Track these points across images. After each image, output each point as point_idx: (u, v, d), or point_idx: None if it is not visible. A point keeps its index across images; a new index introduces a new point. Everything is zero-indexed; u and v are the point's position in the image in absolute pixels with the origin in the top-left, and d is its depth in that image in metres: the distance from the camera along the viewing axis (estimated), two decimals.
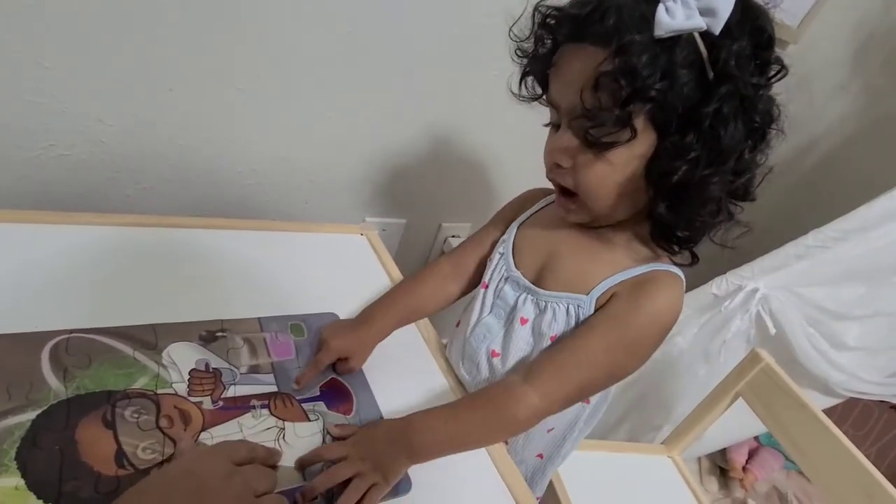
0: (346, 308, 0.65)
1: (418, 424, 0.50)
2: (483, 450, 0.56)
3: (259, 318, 0.60)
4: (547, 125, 0.54)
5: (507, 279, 0.60)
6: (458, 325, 0.68)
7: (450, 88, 0.98)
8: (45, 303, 0.52)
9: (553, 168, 0.53)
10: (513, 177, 1.19)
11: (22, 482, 0.39)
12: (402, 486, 0.49)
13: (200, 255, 0.66)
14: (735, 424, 1.11)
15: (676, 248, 0.53)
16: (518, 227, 0.63)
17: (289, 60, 0.81)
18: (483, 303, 0.61)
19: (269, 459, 0.44)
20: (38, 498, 0.38)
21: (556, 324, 0.56)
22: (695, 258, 0.53)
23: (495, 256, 0.62)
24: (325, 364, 0.56)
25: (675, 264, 0.54)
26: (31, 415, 0.43)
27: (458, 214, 1.21)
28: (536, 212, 0.64)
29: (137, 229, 0.65)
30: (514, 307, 0.58)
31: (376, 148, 1.01)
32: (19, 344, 0.48)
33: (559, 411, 0.54)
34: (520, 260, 0.60)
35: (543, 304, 0.56)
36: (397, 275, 0.75)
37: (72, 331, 0.50)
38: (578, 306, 0.55)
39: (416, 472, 0.50)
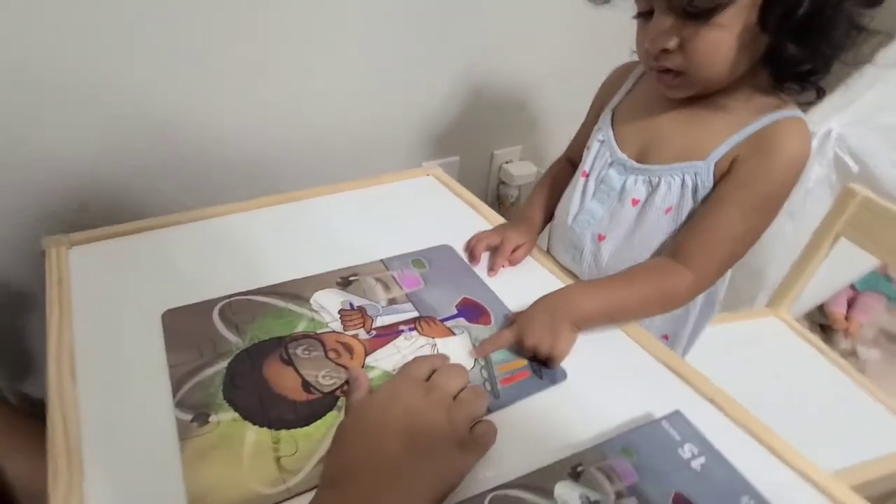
0: (455, 240, 0.68)
1: (576, 293, 0.54)
2: (626, 337, 0.56)
3: (382, 260, 0.63)
4: (636, 17, 0.52)
5: (611, 164, 0.59)
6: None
7: (478, 18, 0.98)
8: (203, 281, 0.58)
9: (658, 55, 0.50)
10: (554, 92, 1.18)
11: (237, 415, 0.44)
12: (559, 375, 0.51)
13: (309, 221, 0.70)
14: (832, 274, 1.07)
15: (803, 86, 0.49)
16: (613, 111, 0.62)
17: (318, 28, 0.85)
18: (584, 190, 0.62)
19: (447, 364, 0.47)
20: (254, 424, 0.43)
21: (671, 196, 0.55)
22: (821, 92, 0.50)
23: (594, 144, 0.62)
24: (509, 250, 0.63)
25: (797, 106, 0.52)
26: (223, 364, 0.48)
27: (507, 140, 1.21)
28: (629, 91, 0.62)
29: (247, 213, 0.71)
30: (623, 190, 0.58)
31: (416, 93, 1.03)
32: (193, 313, 0.53)
33: (712, 286, 0.55)
34: (622, 142, 0.59)
35: (656, 179, 0.55)
36: (477, 202, 0.77)
37: (230, 296, 0.56)
38: (695, 174, 0.53)
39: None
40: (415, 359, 0.48)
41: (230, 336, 0.51)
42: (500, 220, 0.73)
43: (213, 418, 0.43)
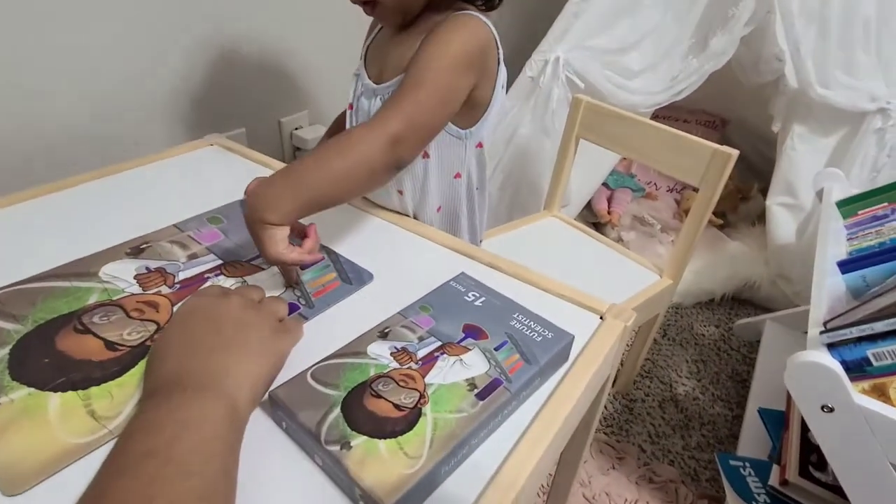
0: None
1: (266, 197, 0.50)
2: (419, 238, 0.64)
3: (175, 224, 0.62)
4: None
5: (362, 93, 0.69)
6: None
7: None
8: None
9: None
10: (324, 53, 1.22)
11: (32, 389, 0.41)
12: (366, 277, 0.57)
13: (87, 206, 0.66)
14: (587, 176, 1.34)
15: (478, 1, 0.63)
16: (366, 49, 0.72)
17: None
18: (350, 120, 0.72)
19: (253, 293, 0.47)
20: (55, 391, 0.41)
21: None
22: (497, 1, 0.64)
23: (353, 79, 0.71)
24: None
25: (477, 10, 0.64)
26: (3, 351, 0.44)
27: (292, 106, 1.23)
28: (378, 31, 0.72)
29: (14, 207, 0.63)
30: (369, 111, 0.68)
31: (188, 69, 1.00)
32: None
33: (409, 132, 0.56)
34: (369, 73, 0.69)
35: (386, 95, 0.65)
36: (266, 159, 0.79)
37: None
38: None
39: (378, 265, 0.58)
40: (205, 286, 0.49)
41: (6, 325, 0.47)
42: None
43: (3, 399, 0.40)
